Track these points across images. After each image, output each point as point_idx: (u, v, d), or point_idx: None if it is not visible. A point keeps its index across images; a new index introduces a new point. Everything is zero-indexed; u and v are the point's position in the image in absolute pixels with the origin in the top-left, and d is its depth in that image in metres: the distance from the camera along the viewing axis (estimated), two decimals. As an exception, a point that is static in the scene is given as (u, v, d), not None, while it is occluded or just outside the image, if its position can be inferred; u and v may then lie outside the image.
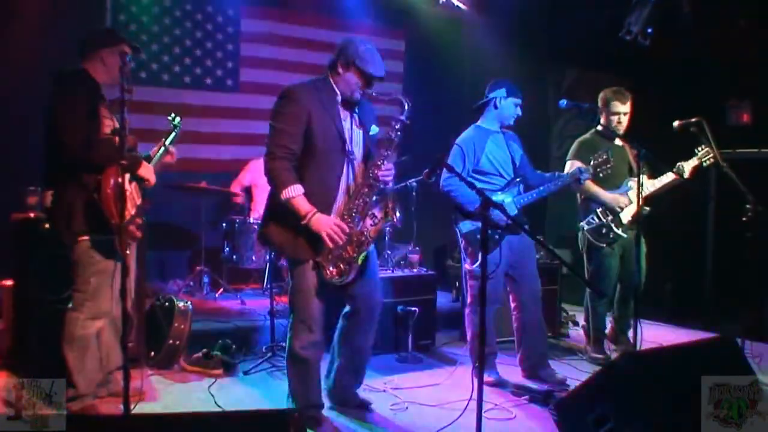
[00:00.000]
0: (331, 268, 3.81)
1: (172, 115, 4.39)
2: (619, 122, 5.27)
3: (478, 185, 4.64)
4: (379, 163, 3.84)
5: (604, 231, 5.27)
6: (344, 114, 3.91)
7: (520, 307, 4.93)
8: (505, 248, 4.67)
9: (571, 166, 5.30)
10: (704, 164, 5.09)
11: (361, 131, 4.00)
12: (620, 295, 5.53)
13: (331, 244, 3.72)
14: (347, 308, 4.17)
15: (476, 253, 4.69)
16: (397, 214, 3.88)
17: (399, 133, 3.89)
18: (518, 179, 4.80)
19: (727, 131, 6.51)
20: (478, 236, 4.59)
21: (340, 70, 3.85)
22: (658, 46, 6.58)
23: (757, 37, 6.52)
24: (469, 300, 4.86)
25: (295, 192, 3.68)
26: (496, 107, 4.81)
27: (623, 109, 5.26)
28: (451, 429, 3.81)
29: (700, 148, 5.05)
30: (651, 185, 5.19)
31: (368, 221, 3.86)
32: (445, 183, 4.68)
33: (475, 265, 4.70)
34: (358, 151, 3.95)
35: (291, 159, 3.74)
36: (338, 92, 3.88)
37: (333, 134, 3.81)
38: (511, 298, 4.98)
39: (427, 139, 6.58)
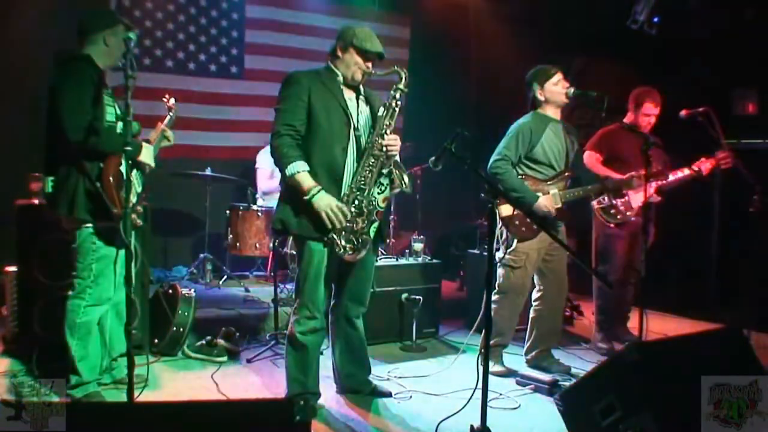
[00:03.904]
0: (343, 242, 3.82)
1: (167, 96, 4.35)
2: (649, 122, 5.40)
3: (528, 173, 4.66)
4: (382, 132, 3.86)
5: (612, 212, 5.36)
6: (349, 94, 3.97)
7: (541, 301, 4.91)
8: (543, 240, 4.66)
9: (588, 155, 5.38)
10: (721, 166, 5.12)
11: (368, 109, 4.03)
12: (619, 275, 5.54)
13: (329, 225, 3.75)
14: (333, 301, 4.21)
15: (510, 240, 4.70)
16: (406, 178, 3.88)
17: (399, 102, 3.91)
18: (568, 173, 4.78)
19: (733, 121, 6.48)
20: (517, 222, 4.61)
21: (340, 54, 3.94)
22: (664, 35, 6.55)
23: (764, 25, 6.47)
24: (496, 289, 4.81)
25: (298, 168, 3.71)
26: (543, 98, 4.73)
27: (655, 111, 5.38)
28: (456, 418, 3.79)
29: (718, 152, 5.09)
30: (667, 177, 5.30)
31: (375, 190, 3.88)
32: (493, 165, 4.65)
33: (508, 254, 4.70)
34: (364, 129, 3.96)
35: (294, 136, 3.79)
36: (339, 74, 3.94)
37: (336, 110, 3.87)
38: (535, 289, 4.95)
39: (432, 126, 6.58)
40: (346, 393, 4.32)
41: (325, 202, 3.71)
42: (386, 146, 3.84)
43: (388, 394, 4.33)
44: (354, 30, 3.92)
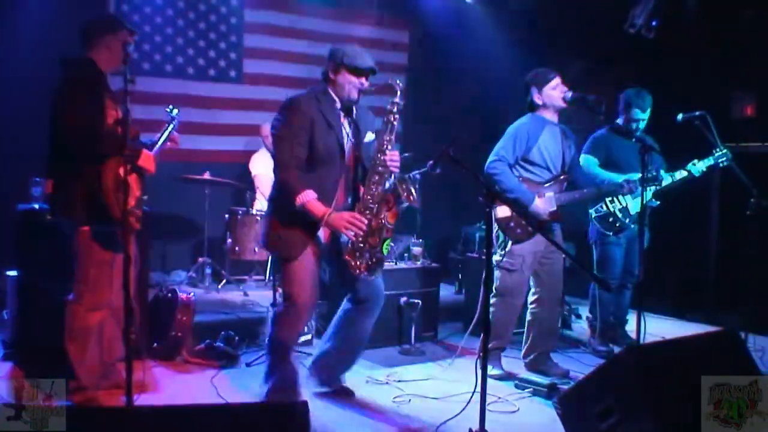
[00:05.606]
0: (359, 263, 3.86)
1: (170, 107, 4.37)
2: (638, 127, 5.34)
3: (524, 175, 4.67)
4: (383, 148, 3.87)
5: (611, 220, 5.35)
6: (344, 120, 3.99)
7: (538, 303, 4.89)
8: (539, 243, 4.65)
9: (585, 160, 5.38)
10: (720, 165, 5.09)
11: (357, 135, 4.04)
12: (618, 282, 5.55)
13: (353, 237, 3.78)
14: (353, 293, 4.19)
15: (507, 241, 4.70)
16: (413, 191, 3.89)
17: (397, 116, 3.91)
18: (564, 176, 4.78)
19: (731, 124, 6.49)
20: (512, 224, 4.61)
21: (332, 76, 3.93)
22: (662, 38, 6.56)
23: (762, 28, 6.48)
24: (493, 292, 4.79)
25: (308, 196, 3.73)
26: (541, 102, 4.71)
27: (642, 116, 5.33)
28: (455, 422, 3.80)
29: (716, 150, 5.06)
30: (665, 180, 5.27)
31: (383, 207, 3.89)
32: (490, 166, 4.65)
33: (504, 257, 4.71)
34: (355, 156, 4.01)
35: (300, 167, 3.82)
36: (336, 99, 3.94)
37: (332, 140, 3.88)
38: (531, 291, 4.94)
39: (430, 130, 6.59)
40: (314, 382, 4.31)
41: (339, 220, 3.74)
42: (388, 162, 3.85)
43: (351, 393, 4.33)
44: (343, 49, 3.91)
